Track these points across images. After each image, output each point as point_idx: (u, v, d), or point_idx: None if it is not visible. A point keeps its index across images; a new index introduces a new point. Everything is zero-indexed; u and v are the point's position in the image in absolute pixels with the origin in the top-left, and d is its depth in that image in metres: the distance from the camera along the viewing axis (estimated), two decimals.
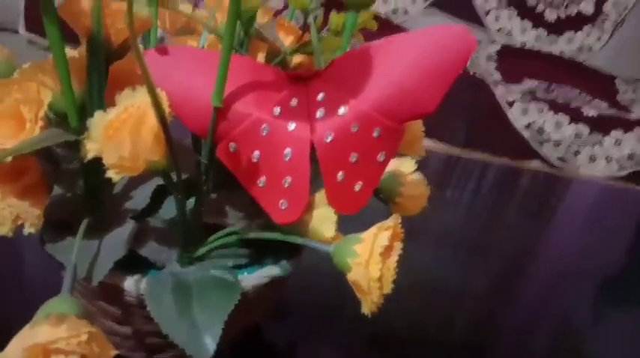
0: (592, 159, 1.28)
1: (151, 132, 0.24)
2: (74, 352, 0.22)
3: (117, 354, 0.23)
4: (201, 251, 0.32)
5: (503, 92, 1.28)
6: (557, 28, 1.58)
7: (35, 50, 1.27)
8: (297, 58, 0.35)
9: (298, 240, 0.30)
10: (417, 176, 0.38)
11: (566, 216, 0.82)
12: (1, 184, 0.25)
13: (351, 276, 0.28)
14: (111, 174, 0.24)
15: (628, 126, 1.27)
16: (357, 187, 0.29)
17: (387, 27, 1.48)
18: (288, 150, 0.28)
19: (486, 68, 1.47)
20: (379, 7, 1.55)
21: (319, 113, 0.28)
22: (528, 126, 1.27)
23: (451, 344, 0.47)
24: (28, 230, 0.27)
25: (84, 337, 0.22)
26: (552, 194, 0.95)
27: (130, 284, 0.29)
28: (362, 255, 0.27)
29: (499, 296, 0.55)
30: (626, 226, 0.83)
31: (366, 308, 0.27)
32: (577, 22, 1.58)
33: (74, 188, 0.31)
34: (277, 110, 0.28)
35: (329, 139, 0.28)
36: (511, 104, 1.27)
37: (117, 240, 0.29)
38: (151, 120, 0.24)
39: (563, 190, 1.00)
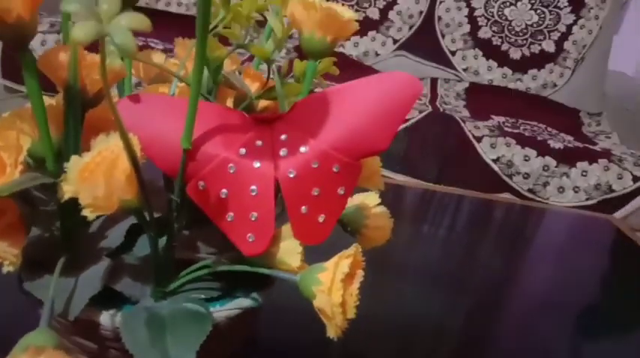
0: (560, 189, 1.32)
1: (123, 173, 0.26)
2: None
3: None
4: (174, 285, 0.33)
5: (471, 128, 1.32)
6: (521, 66, 1.65)
7: (14, 97, 1.30)
8: (263, 103, 0.37)
9: (266, 271, 0.32)
10: (381, 208, 0.41)
11: (542, 247, 0.85)
12: None
13: (316, 303, 0.30)
14: (86, 213, 0.26)
15: (593, 157, 1.32)
16: (321, 219, 0.31)
17: (358, 68, 1.53)
18: (253, 187, 0.30)
19: (455, 105, 1.53)
20: (350, 50, 1.61)
21: (282, 152, 0.30)
22: (497, 159, 1.31)
23: None
24: (6, 268, 0.28)
25: None
26: (527, 225, 0.98)
27: (106, 318, 0.31)
28: (325, 282, 0.29)
29: (482, 328, 0.56)
30: (600, 253, 0.86)
31: (331, 333, 0.29)
32: (540, 60, 1.65)
33: (51, 228, 0.32)
34: (243, 150, 0.30)
35: (292, 175, 0.30)
36: (479, 139, 1.31)
37: (93, 277, 0.31)
38: (124, 163, 0.26)
39: (537, 221, 1.02)
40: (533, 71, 1.64)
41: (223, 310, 0.33)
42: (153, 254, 0.32)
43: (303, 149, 0.30)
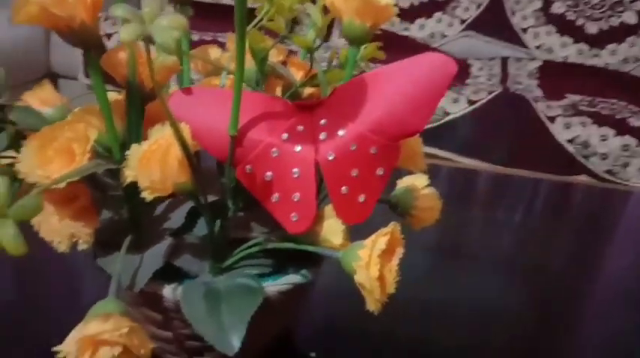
0: None
1: (175, 159, 0.29)
2: (117, 342, 0.26)
3: None
4: (229, 261, 0.36)
5: (544, 108, 1.28)
6: (599, 40, 1.56)
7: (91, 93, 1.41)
8: (309, 90, 0.39)
9: (311, 248, 0.34)
10: (430, 190, 0.42)
11: (624, 232, 0.81)
12: (58, 207, 0.31)
13: (356, 278, 0.31)
14: (145, 194, 0.29)
15: None
16: (361, 199, 0.33)
17: (424, 51, 1.51)
18: (295, 170, 0.32)
19: (527, 85, 1.48)
20: (416, 33, 1.59)
21: (322, 136, 0.32)
22: (572, 140, 1.26)
23: None
24: (81, 246, 0.32)
25: (125, 330, 0.27)
26: (607, 209, 0.93)
27: (168, 291, 0.34)
28: (364, 258, 0.30)
29: (560, 317, 0.55)
30: None
31: (371, 306, 0.31)
32: (620, 33, 1.56)
33: (120, 212, 0.36)
34: (285, 135, 0.32)
35: (331, 158, 0.32)
36: (553, 119, 1.26)
37: (156, 254, 0.34)
38: (176, 150, 0.29)
39: (617, 205, 0.97)
40: (612, 46, 1.55)
41: (275, 285, 0.36)
42: (209, 233, 0.35)
43: (341, 132, 0.32)
